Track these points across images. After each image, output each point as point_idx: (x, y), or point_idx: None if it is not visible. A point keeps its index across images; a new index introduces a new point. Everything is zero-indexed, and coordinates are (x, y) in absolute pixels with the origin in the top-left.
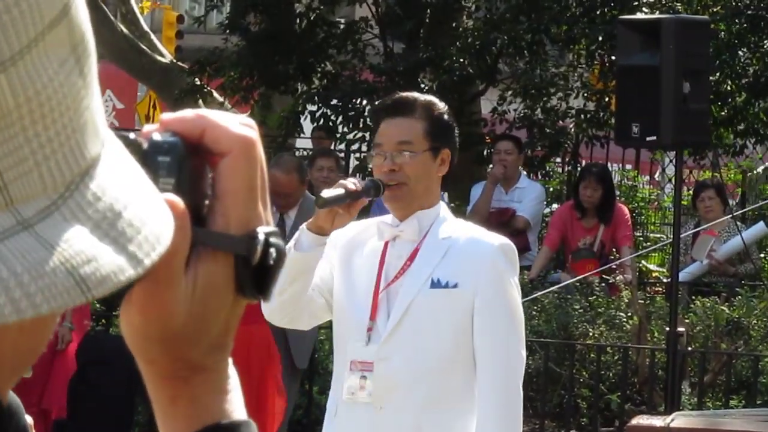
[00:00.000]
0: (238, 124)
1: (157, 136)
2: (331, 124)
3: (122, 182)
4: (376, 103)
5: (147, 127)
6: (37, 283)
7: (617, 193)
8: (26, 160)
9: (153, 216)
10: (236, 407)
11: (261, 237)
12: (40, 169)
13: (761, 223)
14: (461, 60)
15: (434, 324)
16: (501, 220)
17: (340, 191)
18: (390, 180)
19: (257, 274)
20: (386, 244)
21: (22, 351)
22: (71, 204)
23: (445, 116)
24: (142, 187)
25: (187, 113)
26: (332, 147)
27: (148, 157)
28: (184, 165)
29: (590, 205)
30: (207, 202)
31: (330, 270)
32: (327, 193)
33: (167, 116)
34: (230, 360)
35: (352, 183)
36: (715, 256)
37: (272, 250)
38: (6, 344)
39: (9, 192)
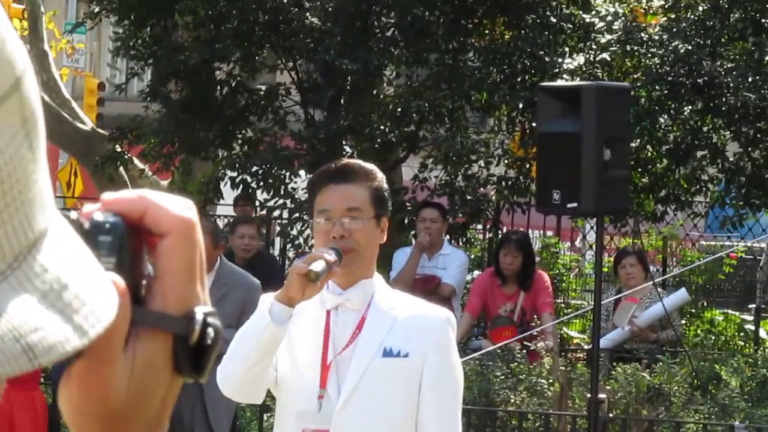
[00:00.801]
0: (178, 206)
1: (98, 216)
2: (250, 190)
3: (68, 256)
4: (320, 169)
5: (88, 207)
6: None
7: (538, 259)
8: None
9: (98, 290)
10: None
11: (199, 317)
12: None
13: (683, 290)
14: (382, 127)
15: (387, 392)
16: (427, 288)
17: (322, 264)
18: (340, 246)
19: (195, 353)
20: (328, 312)
21: None
22: (19, 274)
23: (384, 184)
24: (87, 263)
25: (129, 194)
26: (253, 214)
27: (90, 236)
28: (125, 245)
29: (510, 272)
30: (144, 281)
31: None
32: (316, 266)
33: (109, 196)
34: None
35: (327, 253)
36: (636, 322)
37: (210, 330)
38: None
39: None
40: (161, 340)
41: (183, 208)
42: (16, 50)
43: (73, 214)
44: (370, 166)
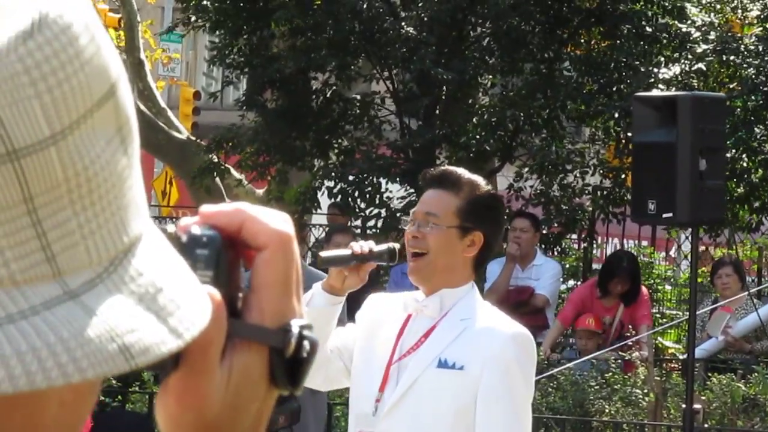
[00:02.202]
0: (275, 219)
1: (195, 230)
2: (349, 199)
3: (162, 263)
4: (425, 171)
5: (185, 220)
6: (83, 348)
7: None
8: (74, 233)
9: (191, 296)
10: None
11: (295, 330)
12: (86, 243)
13: None
14: (477, 136)
15: (436, 403)
16: (520, 299)
17: (346, 252)
18: (412, 247)
19: (290, 365)
20: (408, 317)
21: (62, 425)
22: (115, 278)
23: (486, 198)
24: (180, 269)
25: (226, 207)
26: (347, 223)
27: (187, 249)
28: (222, 258)
29: (617, 293)
30: (241, 294)
31: (354, 337)
32: (327, 253)
33: (207, 209)
34: None
35: (359, 246)
36: (730, 332)
37: (306, 343)
38: (47, 417)
39: (57, 263)
40: (257, 352)
41: (280, 221)
42: (111, 58)
43: (171, 228)
44: (472, 176)
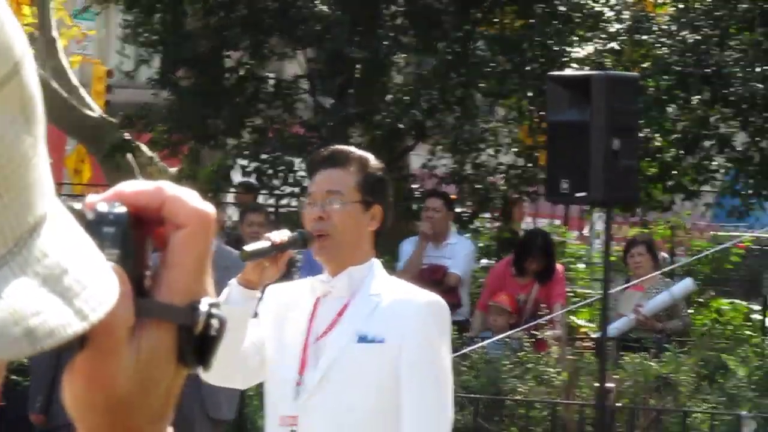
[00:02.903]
0: (196, 199)
1: (102, 207)
2: (263, 178)
3: (68, 242)
4: (311, 155)
5: (91, 197)
6: None
7: None
8: None
9: (98, 276)
10: None
11: (204, 308)
12: None
13: (688, 279)
14: (391, 115)
15: (359, 378)
16: (433, 278)
17: (265, 244)
18: (317, 230)
19: (199, 344)
20: (317, 300)
21: None
22: (19, 259)
23: (380, 173)
24: (86, 249)
25: (147, 185)
26: (257, 201)
27: (93, 227)
28: (129, 236)
29: (532, 271)
30: (148, 273)
31: (264, 329)
32: (250, 246)
33: (126, 188)
34: (170, 430)
35: (277, 235)
36: (641, 311)
37: (214, 321)
38: None
39: None
40: (166, 331)
41: (200, 201)
42: (15, 35)
43: (77, 205)
44: (363, 153)
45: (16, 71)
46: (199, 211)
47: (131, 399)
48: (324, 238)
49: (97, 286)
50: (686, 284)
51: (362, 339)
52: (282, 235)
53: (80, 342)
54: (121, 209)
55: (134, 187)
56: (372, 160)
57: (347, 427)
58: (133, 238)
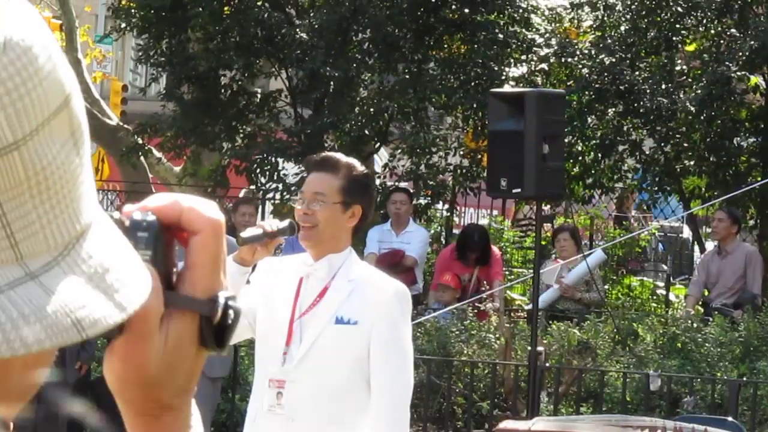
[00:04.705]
0: (208, 208)
1: (137, 215)
2: (252, 176)
3: (109, 246)
4: (308, 158)
5: (127, 207)
6: (41, 323)
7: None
8: (34, 223)
9: (134, 274)
10: None
11: (222, 300)
12: (44, 231)
13: (599, 250)
14: (358, 124)
15: (336, 354)
16: (393, 261)
17: (259, 231)
18: (303, 222)
19: (217, 330)
20: (301, 279)
21: (25, 384)
22: (69, 260)
23: (362, 177)
24: (125, 252)
25: (166, 199)
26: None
27: (129, 232)
28: (159, 240)
29: (472, 259)
30: (175, 270)
31: (254, 297)
32: (246, 233)
33: (149, 202)
34: (193, 400)
35: (269, 224)
36: (564, 281)
37: (230, 312)
38: (12, 377)
39: (20, 249)
40: (189, 319)
41: (212, 210)
42: (65, 73)
43: (116, 214)
44: (349, 160)
45: (66, 103)
46: (211, 219)
47: (160, 376)
48: (308, 228)
49: (134, 282)
50: (598, 255)
51: (339, 321)
52: (273, 224)
53: (119, 328)
54: (152, 217)
55: (157, 201)
56: (357, 166)
57: (326, 393)
58: (163, 241)
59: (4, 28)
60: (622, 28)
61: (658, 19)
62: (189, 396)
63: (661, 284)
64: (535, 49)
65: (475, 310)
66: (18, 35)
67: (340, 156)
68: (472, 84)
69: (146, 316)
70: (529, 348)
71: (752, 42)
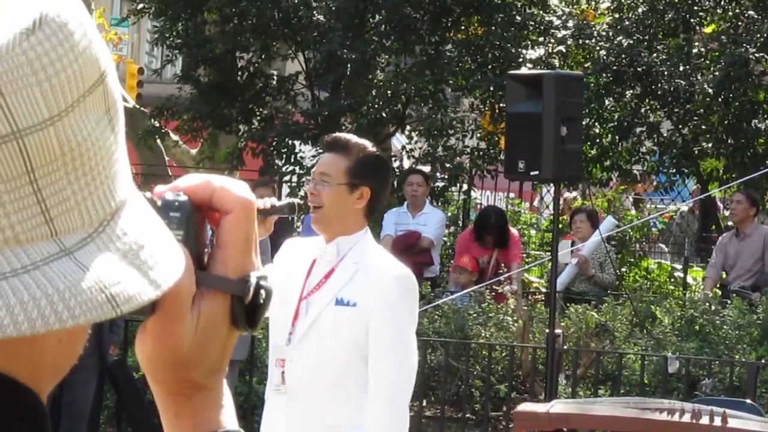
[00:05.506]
0: (240, 188)
1: (169, 195)
2: (268, 158)
3: (144, 223)
4: (322, 137)
5: (159, 188)
6: (76, 298)
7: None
8: (69, 199)
9: (168, 252)
10: (229, 419)
11: (253, 280)
12: (79, 207)
13: (610, 217)
14: (375, 106)
15: (335, 335)
16: (409, 242)
17: None
18: (311, 202)
19: (249, 310)
20: (314, 261)
21: (59, 360)
22: (104, 237)
23: (372, 158)
24: (158, 229)
25: (198, 179)
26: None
27: (162, 212)
28: (191, 220)
29: (489, 241)
30: (207, 250)
31: (273, 276)
32: None
33: (181, 181)
34: (224, 380)
35: (262, 202)
36: (581, 253)
37: (262, 291)
38: (47, 353)
39: (54, 225)
40: (221, 299)
41: (243, 190)
42: (101, 50)
43: (148, 194)
44: (361, 141)
45: (102, 80)
46: (243, 199)
47: (192, 355)
48: (316, 209)
49: (167, 260)
50: (609, 221)
51: (339, 302)
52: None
53: (151, 307)
54: (184, 198)
55: (189, 181)
56: (368, 147)
57: (325, 374)
58: (194, 222)
59: (40, 4)
60: (640, 9)
61: (676, 0)
62: (221, 375)
63: (679, 267)
64: (552, 31)
65: (493, 293)
66: (53, 11)
67: (351, 137)
68: (490, 66)
69: (179, 295)
70: (547, 330)
71: None
